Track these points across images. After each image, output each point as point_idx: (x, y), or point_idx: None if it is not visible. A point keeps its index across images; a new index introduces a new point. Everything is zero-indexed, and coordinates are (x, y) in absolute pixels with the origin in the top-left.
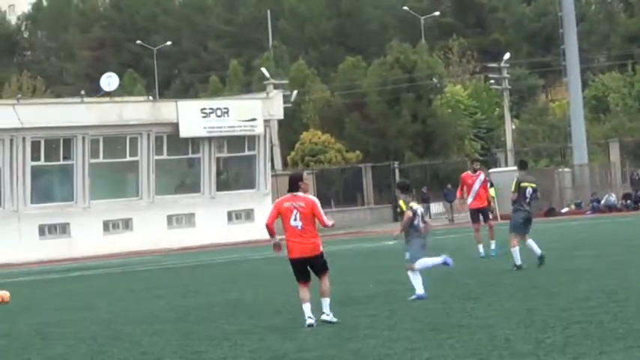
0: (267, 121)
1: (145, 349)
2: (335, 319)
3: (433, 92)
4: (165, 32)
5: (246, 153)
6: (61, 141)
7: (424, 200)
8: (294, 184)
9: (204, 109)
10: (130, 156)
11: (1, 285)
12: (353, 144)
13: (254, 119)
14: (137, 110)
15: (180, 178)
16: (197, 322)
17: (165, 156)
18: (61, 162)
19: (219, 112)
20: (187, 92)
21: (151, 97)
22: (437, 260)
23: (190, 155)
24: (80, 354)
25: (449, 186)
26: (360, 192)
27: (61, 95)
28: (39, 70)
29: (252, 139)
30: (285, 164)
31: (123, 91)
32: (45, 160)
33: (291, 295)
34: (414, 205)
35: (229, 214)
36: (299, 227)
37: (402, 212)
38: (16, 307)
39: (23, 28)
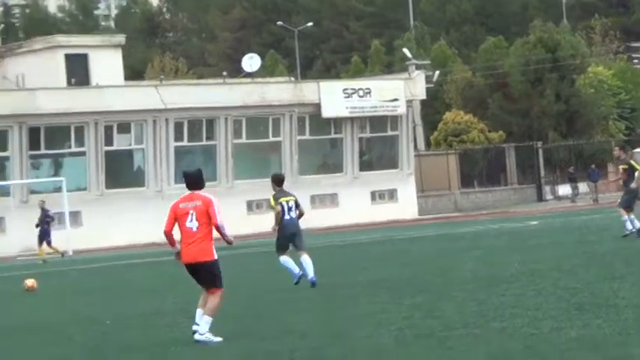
0: (409, 102)
1: (290, 327)
2: (210, 340)
3: (576, 72)
4: (307, 13)
5: (389, 133)
6: (204, 122)
7: (571, 180)
8: (193, 182)
9: (347, 89)
10: (273, 136)
11: (147, 264)
12: (496, 124)
13: (396, 99)
14: (279, 91)
15: (323, 159)
16: (342, 301)
17: (307, 136)
18: (204, 142)
19: (361, 93)
20: (329, 73)
21: (292, 78)
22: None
23: (333, 135)
24: (224, 332)
25: (593, 166)
26: (503, 172)
27: (203, 76)
28: (181, 51)
29: (394, 120)
30: (427, 144)
31: (265, 71)
32: (188, 141)
33: (437, 275)
34: (284, 200)
35: (372, 194)
36: (194, 229)
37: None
38: (162, 287)
39: (164, 9)
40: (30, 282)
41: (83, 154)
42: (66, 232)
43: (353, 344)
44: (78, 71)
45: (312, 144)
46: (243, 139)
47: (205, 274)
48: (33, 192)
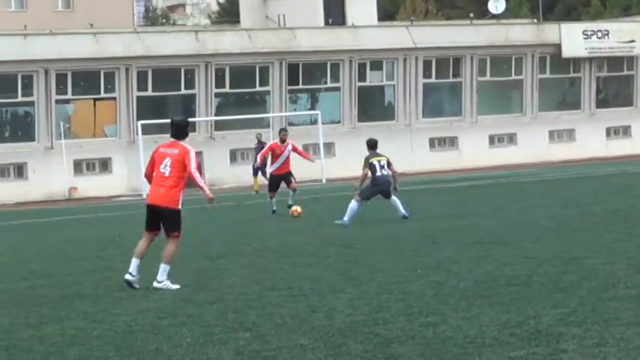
0: None
1: (528, 254)
2: (168, 287)
3: None
4: None
5: (625, 72)
6: (451, 60)
7: None
8: (176, 131)
9: (586, 31)
10: (515, 75)
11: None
12: None
13: (633, 41)
14: (522, 32)
15: (562, 96)
16: (577, 231)
17: (548, 75)
18: (451, 79)
19: (599, 34)
20: (569, 15)
21: (535, 20)
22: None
23: (572, 74)
24: (467, 257)
25: None
26: None
27: (451, 17)
28: None
29: (630, 60)
30: None
31: (509, 13)
32: (436, 78)
33: None
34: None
35: (608, 130)
36: (166, 174)
37: None
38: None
39: None
40: (298, 209)
41: (338, 89)
42: (320, 161)
43: (588, 270)
44: (335, 12)
45: (552, 82)
46: (488, 77)
47: (166, 220)
48: (291, 124)
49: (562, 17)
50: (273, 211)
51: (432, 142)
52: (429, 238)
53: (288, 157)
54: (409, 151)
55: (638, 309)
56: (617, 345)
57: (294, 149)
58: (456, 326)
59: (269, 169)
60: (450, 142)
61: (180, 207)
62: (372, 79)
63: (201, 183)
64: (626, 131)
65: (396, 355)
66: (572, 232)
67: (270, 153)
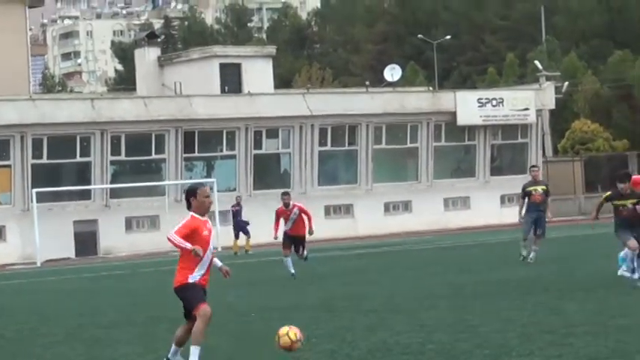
0: (539, 111)
1: (422, 322)
2: None
3: None
4: (445, 27)
5: (519, 140)
6: (347, 127)
7: None
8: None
9: (481, 99)
10: (411, 142)
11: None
12: (620, 133)
13: (527, 109)
14: (418, 100)
15: (457, 164)
16: (471, 298)
17: (443, 142)
18: (346, 147)
19: (494, 102)
20: (465, 83)
21: (431, 88)
22: None
23: (467, 142)
24: (362, 325)
25: None
26: None
27: (347, 85)
28: (327, 61)
29: (524, 128)
30: (555, 151)
31: (405, 81)
32: (331, 146)
33: (560, 275)
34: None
35: (502, 197)
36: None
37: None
38: (304, 281)
39: (313, 22)
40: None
41: (234, 157)
42: (215, 229)
43: (482, 337)
44: (231, 79)
45: (447, 150)
46: (383, 145)
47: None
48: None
49: (457, 85)
50: (292, 274)
51: (328, 210)
52: (325, 307)
53: (299, 219)
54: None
55: None
56: None
57: (302, 211)
58: None
59: (282, 228)
60: (346, 210)
61: (180, 283)
62: (268, 146)
63: (182, 245)
64: (519, 199)
65: None
66: (466, 299)
67: (281, 218)
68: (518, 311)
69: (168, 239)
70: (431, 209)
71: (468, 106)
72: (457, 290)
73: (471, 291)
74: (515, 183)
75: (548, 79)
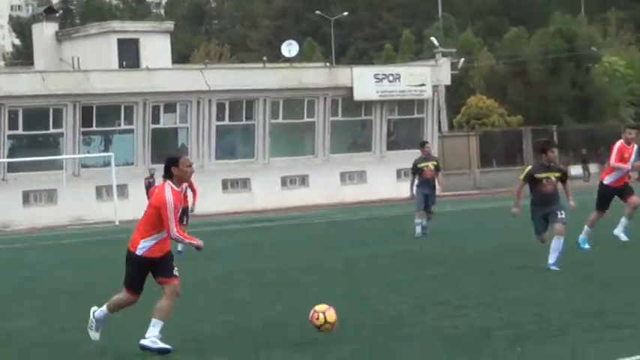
0: (435, 87)
1: (316, 295)
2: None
3: (591, 61)
4: (343, 3)
5: (415, 116)
6: (244, 103)
7: (583, 161)
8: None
9: (378, 74)
10: (308, 117)
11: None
12: (515, 109)
13: (423, 85)
14: (315, 75)
15: (353, 139)
16: (365, 271)
17: (340, 117)
18: (244, 122)
19: (391, 78)
20: (362, 59)
21: (327, 64)
22: None
23: (363, 117)
24: (259, 298)
25: (602, 148)
26: (520, 153)
27: (245, 61)
28: (225, 37)
29: (420, 103)
30: (451, 127)
31: (302, 57)
32: (229, 120)
33: (454, 248)
34: None
35: (398, 171)
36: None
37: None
38: (201, 256)
39: None
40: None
41: (131, 131)
42: (113, 203)
43: (375, 310)
44: (129, 55)
45: (344, 125)
46: (280, 120)
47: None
48: (84, 166)
49: (354, 61)
50: (179, 251)
51: (225, 184)
52: (222, 280)
53: (184, 194)
54: (202, 192)
55: (422, 348)
56: None
57: (191, 186)
58: None
59: None
60: (243, 184)
61: (131, 252)
62: (166, 121)
63: (192, 243)
64: None
65: None
66: (360, 272)
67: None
68: (412, 284)
69: (175, 239)
70: (327, 183)
71: (365, 81)
72: (351, 263)
73: (365, 264)
74: (411, 157)
75: (444, 55)
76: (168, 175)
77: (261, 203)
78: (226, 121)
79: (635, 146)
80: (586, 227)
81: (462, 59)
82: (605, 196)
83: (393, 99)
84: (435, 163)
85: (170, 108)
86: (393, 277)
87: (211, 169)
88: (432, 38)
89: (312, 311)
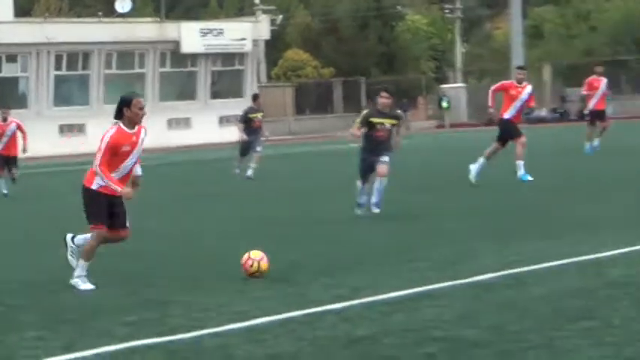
0: (255, 41)
1: (143, 228)
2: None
3: (397, 19)
4: None
5: (237, 67)
6: (80, 54)
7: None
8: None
9: (203, 29)
10: (139, 68)
11: (25, 175)
12: (328, 62)
13: (244, 39)
14: (146, 29)
15: (180, 88)
16: (192, 205)
17: (168, 69)
18: (80, 72)
19: (215, 32)
20: (189, 14)
21: (158, 19)
22: None
23: (190, 68)
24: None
25: (405, 100)
26: (330, 103)
27: (82, 15)
28: None
29: (241, 56)
30: (269, 78)
31: (136, 13)
32: (67, 70)
33: (271, 187)
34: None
35: (221, 118)
36: None
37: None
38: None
39: None
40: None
41: None
42: None
43: (201, 243)
44: None
45: (172, 75)
46: (114, 70)
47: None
48: None
49: (182, 17)
50: (5, 194)
51: (62, 129)
52: (49, 219)
53: (13, 137)
54: (40, 136)
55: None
56: (218, 310)
57: (19, 127)
58: (83, 297)
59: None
60: (79, 129)
61: (86, 187)
62: (7, 70)
63: (111, 186)
64: (237, 119)
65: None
66: (185, 206)
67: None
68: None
69: (96, 173)
70: (156, 129)
71: (191, 35)
72: (179, 199)
73: (191, 200)
74: (232, 105)
75: (264, 12)
76: (119, 115)
77: (95, 146)
78: (64, 71)
79: (529, 86)
80: (520, 164)
81: (280, 16)
82: (505, 129)
83: (217, 52)
84: (262, 113)
85: (11, 58)
86: (215, 207)
87: (49, 115)
88: None
89: (246, 256)
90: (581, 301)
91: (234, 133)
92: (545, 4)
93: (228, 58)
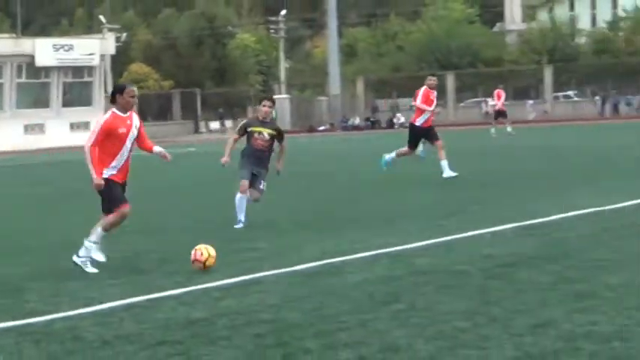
0: (102, 56)
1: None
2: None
3: (228, 38)
4: None
5: (86, 79)
6: None
7: (220, 118)
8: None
9: (56, 45)
10: None
11: None
12: (167, 75)
13: (92, 54)
14: (3, 45)
15: (36, 97)
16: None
17: (24, 80)
18: None
19: (66, 48)
20: (44, 31)
21: (14, 35)
22: None
23: (44, 80)
24: None
25: (220, 110)
26: (170, 111)
27: None
28: None
29: (90, 69)
30: None
31: None
32: None
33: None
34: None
35: (72, 124)
36: None
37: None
38: None
39: None
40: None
41: None
42: None
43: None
44: None
45: (28, 86)
46: None
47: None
48: None
49: (37, 33)
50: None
51: None
52: None
53: None
54: None
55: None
56: (70, 296)
57: None
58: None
59: None
60: None
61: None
62: None
63: (91, 170)
64: (86, 126)
65: None
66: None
67: None
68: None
69: (84, 151)
70: (13, 134)
71: (45, 50)
72: (40, 197)
73: (53, 199)
74: (81, 113)
75: (110, 30)
76: (112, 100)
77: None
78: None
79: (434, 92)
80: (394, 154)
81: (125, 34)
82: (416, 135)
83: (68, 65)
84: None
85: None
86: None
87: None
88: (101, 16)
89: (192, 252)
90: (391, 287)
91: (83, 139)
92: (358, 25)
93: (79, 70)
